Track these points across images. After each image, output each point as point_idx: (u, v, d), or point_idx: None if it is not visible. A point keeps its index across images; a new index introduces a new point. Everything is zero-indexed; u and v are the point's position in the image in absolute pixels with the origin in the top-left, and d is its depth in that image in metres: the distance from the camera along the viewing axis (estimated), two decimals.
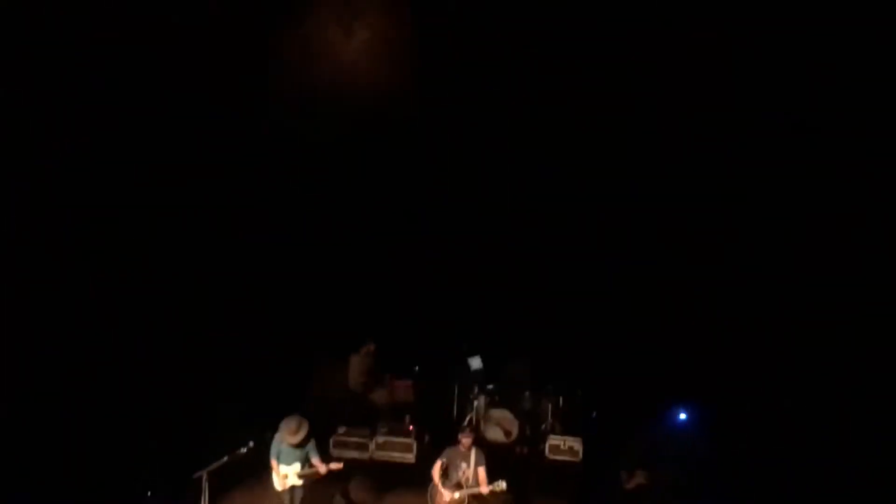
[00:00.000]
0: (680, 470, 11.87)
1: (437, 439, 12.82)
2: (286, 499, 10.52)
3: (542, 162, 13.76)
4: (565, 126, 13.14)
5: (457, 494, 10.29)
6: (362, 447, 13.38)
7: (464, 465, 10.44)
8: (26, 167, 10.37)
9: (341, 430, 13.45)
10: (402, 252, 14.55)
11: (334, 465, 10.47)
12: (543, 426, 14.32)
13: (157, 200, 12.12)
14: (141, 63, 11.26)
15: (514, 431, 14.06)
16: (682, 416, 13.55)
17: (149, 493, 9.74)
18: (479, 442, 11.54)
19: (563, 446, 13.71)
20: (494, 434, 14.03)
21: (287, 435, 10.30)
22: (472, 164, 13.71)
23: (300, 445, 10.35)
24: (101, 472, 10.14)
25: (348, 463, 11.53)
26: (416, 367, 14.81)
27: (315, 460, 10.44)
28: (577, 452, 13.64)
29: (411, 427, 13.61)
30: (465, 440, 10.54)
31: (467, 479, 10.40)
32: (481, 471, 10.40)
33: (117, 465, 10.33)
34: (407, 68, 12.42)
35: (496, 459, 11.04)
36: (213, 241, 12.89)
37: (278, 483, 10.46)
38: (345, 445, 13.30)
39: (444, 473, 10.50)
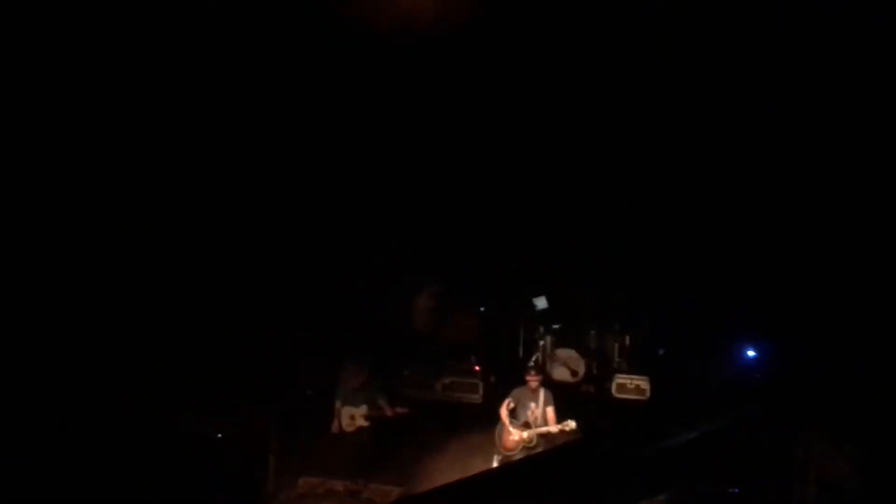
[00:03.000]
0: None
1: (503, 380, 12.82)
2: (355, 439, 10.65)
3: (604, 95, 13.43)
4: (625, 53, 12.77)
5: (525, 434, 10.31)
6: (428, 388, 13.45)
7: (532, 404, 10.47)
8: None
9: (407, 371, 13.53)
10: (465, 190, 14.41)
11: (400, 410, 10.58)
12: (610, 365, 14.24)
13: None
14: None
15: (581, 371, 14.00)
16: (751, 353, 13.35)
17: (219, 435, 9.90)
18: (546, 382, 11.52)
19: (629, 385, 13.62)
20: (561, 374, 13.98)
21: (350, 377, 10.42)
22: (526, 96, 13.44)
23: (365, 388, 10.45)
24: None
25: (415, 404, 11.63)
26: (482, 308, 14.78)
27: (382, 403, 10.56)
28: (644, 391, 13.53)
29: (477, 367, 13.64)
30: (533, 380, 10.56)
31: (535, 418, 10.42)
32: (550, 410, 10.43)
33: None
34: None
35: (563, 399, 11.02)
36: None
37: (347, 424, 10.58)
38: (411, 386, 13.38)
39: (512, 413, 10.51)
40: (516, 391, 10.66)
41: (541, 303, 14.47)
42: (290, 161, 12.59)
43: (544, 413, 10.41)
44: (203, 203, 11.77)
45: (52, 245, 10.24)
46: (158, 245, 11.29)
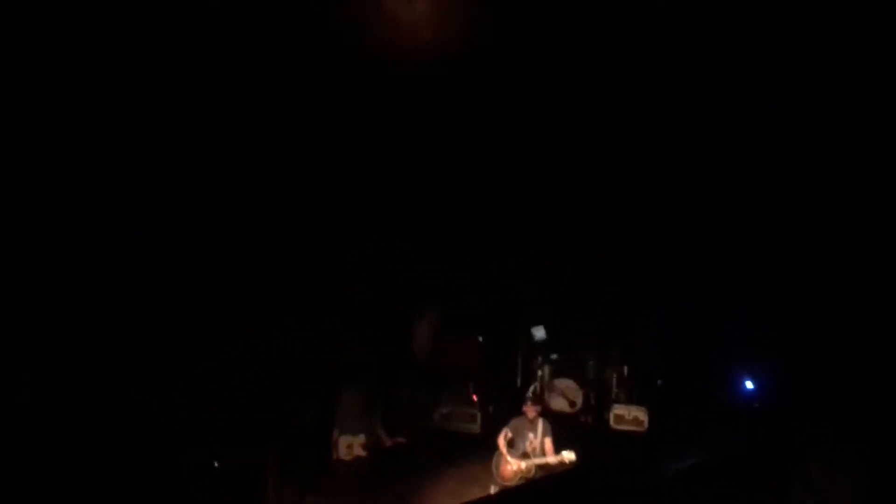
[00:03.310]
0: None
1: (501, 410, 12.79)
2: (353, 467, 10.61)
3: (612, 132, 13.45)
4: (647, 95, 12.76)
5: (523, 464, 10.28)
6: (426, 416, 13.42)
7: (530, 435, 10.46)
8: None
9: (405, 398, 13.50)
10: (466, 218, 14.43)
11: (399, 440, 10.58)
12: (608, 396, 14.22)
13: None
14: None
15: (579, 401, 13.98)
16: (749, 385, 13.34)
17: (215, 464, 9.89)
18: (544, 412, 11.51)
19: (628, 416, 13.58)
20: (559, 404, 13.97)
21: (348, 405, 10.41)
22: (537, 130, 13.48)
23: (363, 416, 10.44)
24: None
25: (413, 431, 11.60)
26: (480, 337, 14.78)
27: (380, 432, 10.54)
28: (641, 422, 13.49)
29: (475, 397, 13.61)
30: (531, 411, 10.58)
31: (534, 449, 10.41)
32: (548, 441, 10.41)
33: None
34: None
35: (561, 429, 11.01)
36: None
37: (344, 453, 10.55)
38: (409, 414, 13.35)
39: (510, 443, 10.52)
40: (514, 421, 10.68)
41: (539, 332, 14.49)
42: (299, 188, 12.65)
43: (542, 443, 10.41)
44: (210, 223, 11.81)
45: (58, 255, 10.29)
46: (167, 262, 11.33)
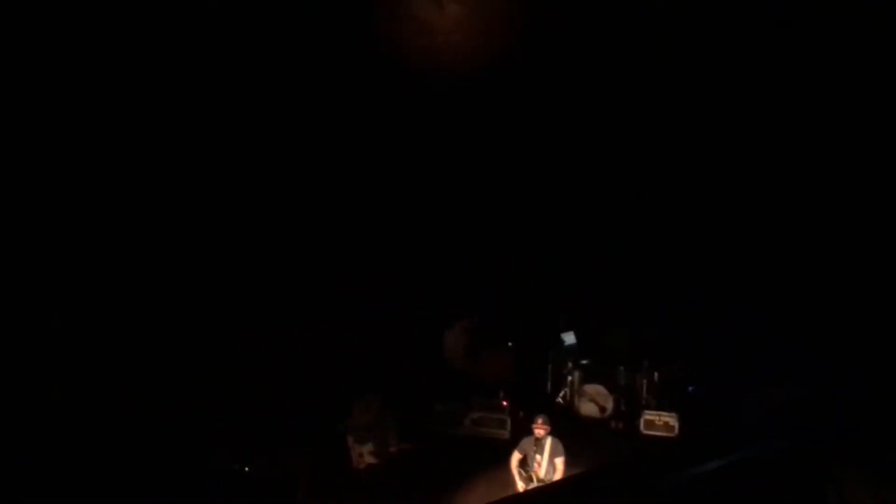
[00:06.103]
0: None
1: (532, 415, 12.80)
2: (380, 473, 10.73)
3: (646, 138, 13.42)
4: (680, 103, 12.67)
5: (530, 488, 9.58)
6: (456, 423, 13.48)
7: (538, 456, 9.85)
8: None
9: (436, 405, 13.59)
10: (496, 226, 14.48)
11: (404, 445, 10.59)
12: (639, 402, 14.22)
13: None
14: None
15: (609, 407, 13.99)
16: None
17: (245, 468, 10.02)
18: (573, 418, 11.35)
19: (658, 422, 13.57)
20: (588, 409, 14.00)
21: (358, 413, 10.48)
22: (568, 138, 13.50)
23: (374, 425, 10.49)
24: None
25: (442, 438, 11.64)
26: (510, 343, 14.84)
27: (390, 439, 10.59)
28: (672, 428, 13.48)
29: (505, 403, 13.66)
30: (539, 429, 9.91)
31: (543, 471, 9.85)
32: (559, 461, 9.79)
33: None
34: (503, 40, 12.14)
35: (590, 435, 10.94)
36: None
37: (357, 461, 10.63)
38: (439, 421, 13.43)
39: (522, 464, 9.96)
40: (524, 442, 10.11)
41: (569, 338, 14.53)
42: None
43: (553, 465, 9.78)
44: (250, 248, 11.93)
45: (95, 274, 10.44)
46: (200, 280, 11.45)
